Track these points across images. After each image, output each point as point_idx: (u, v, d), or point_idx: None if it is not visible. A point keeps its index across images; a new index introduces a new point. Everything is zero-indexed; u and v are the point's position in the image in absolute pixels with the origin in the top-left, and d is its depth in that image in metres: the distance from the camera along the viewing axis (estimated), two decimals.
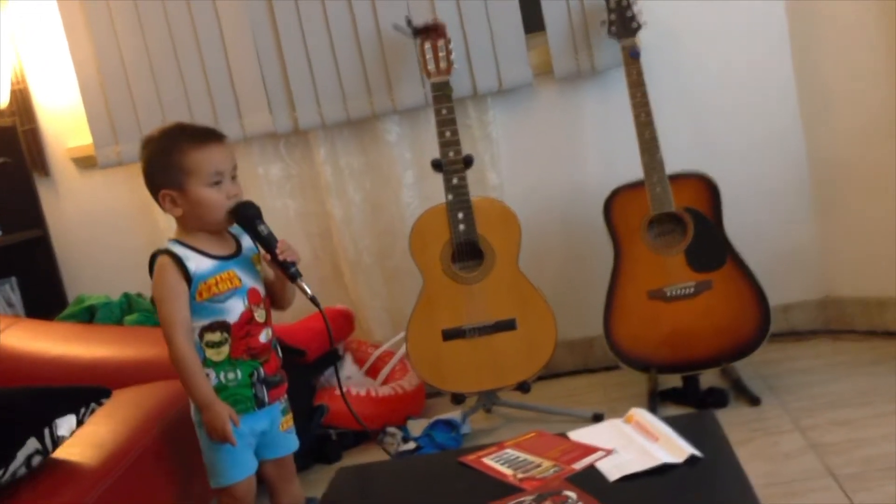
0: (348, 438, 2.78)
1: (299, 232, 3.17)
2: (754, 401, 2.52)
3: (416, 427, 2.73)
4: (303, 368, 2.69)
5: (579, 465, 1.48)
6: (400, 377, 2.95)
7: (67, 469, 1.66)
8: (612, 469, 1.44)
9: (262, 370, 1.77)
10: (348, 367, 2.93)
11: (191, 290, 1.71)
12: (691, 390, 2.60)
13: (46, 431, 1.59)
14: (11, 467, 1.50)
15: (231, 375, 1.74)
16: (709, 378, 2.64)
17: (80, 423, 1.69)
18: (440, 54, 2.70)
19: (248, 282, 1.77)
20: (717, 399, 2.56)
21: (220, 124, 3.02)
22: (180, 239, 1.76)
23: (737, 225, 2.64)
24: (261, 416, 1.79)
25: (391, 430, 2.76)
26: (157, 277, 1.72)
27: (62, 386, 1.76)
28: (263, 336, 1.78)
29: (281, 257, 1.75)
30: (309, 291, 1.77)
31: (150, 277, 1.75)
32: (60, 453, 1.67)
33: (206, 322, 1.73)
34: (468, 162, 2.64)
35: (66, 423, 1.63)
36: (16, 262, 3.04)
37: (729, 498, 1.29)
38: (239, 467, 1.78)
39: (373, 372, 3.03)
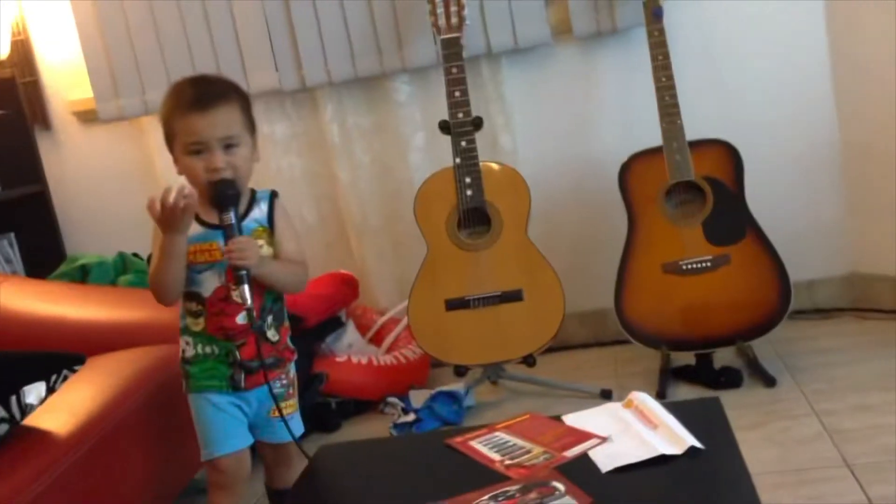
0: (348, 407, 2.71)
1: (305, 193, 3.07)
2: (770, 382, 2.41)
3: (418, 398, 2.65)
4: (302, 335, 2.60)
5: (571, 454, 1.38)
6: (404, 346, 2.87)
7: (36, 437, 1.59)
8: (606, 459, 1.34)
9: (237, 353, 1.67)
10: (351, 335, 2.84)
11: None
12: (704, 369, 2.49)
13: (13, 399, 1.51)
14: None
15: (208, 349, 1.68)
16: (724, 356, 2.52)
17: (50, 390, 1.61)
18: (452, 9, 2.56)
19: None
20: (731, 379, 2.44)
21: None
22: None
23: (760, 196, 2.51)
24: (242, 399, 1.70)
25: (392, 400, 2.69)
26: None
27: (31, 352, 1.68)
28: (241, 318, 1.65)
29: (226, 255, 1.59)
30: (248, 301, 1.58)
31: None
32: (30, 421, 1.60)
33: (187, 289, 1.66)
34: (477, 124, 2.52)
35: (35, 391, 1.56)
36: (15, 217, 2.97)
37: (727, 495, 1.18)
38: (226, 440, 1.69)
39: (377, 339, 2.95)
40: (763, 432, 2.15)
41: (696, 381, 2.49)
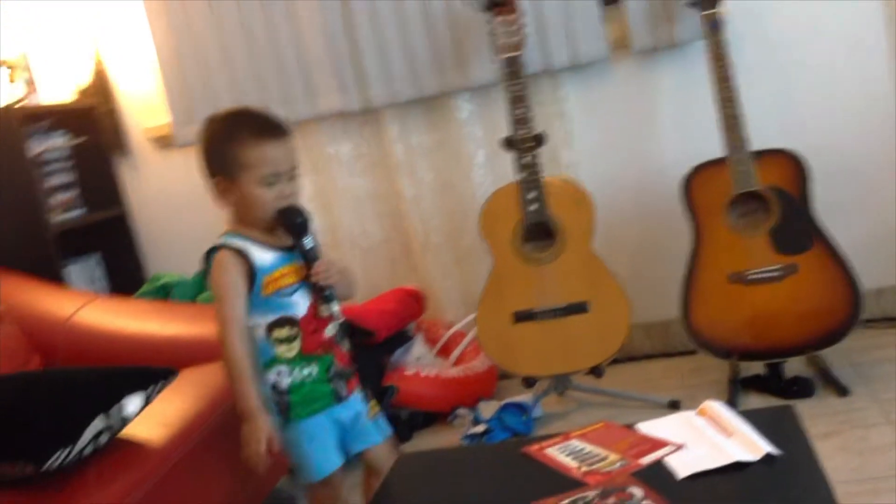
0: (417, 419, 2.77)
1: (370, 212, 3.15)
2: (843, 391, 2.39)
3: (487, 409, 2.69)
4: (372, 349, 2.68)
5: (646, 460, 1.41)
6: (472, 358, 2.91)
7: (134, 447, 1.69)
8: (682, 465, 1.37)
9: (336, 364, 1.73)
10: (419, 348, 2.90)
11: (255, 285, 1.65)
12: (775, 378, 2.49)
13: (114, 411, 1.61)
14: (78, 445, 1.52)
15: (306, 371, 1.69)
16: (795, 365, 2.51)
17: (147, 401, 1.70)
18: (511, 28, 2.62)
19: None
20: (802, 388, 2.43)
21: (292, 104, 3.02)
22: (237, 230, 1.70)
23: (827, 205, 2.49)
24: (342, 409, 1.75)
25: (461, 411, 2.73)
26: (215, 273, 1.64)
27: (130, 366, 1.77)
28: (330, 329, 1.72)
29: (313, 279, 1.67)
30: (340, 316, 1.69)
31: (203, 270, 1.70)
32: (127, 432, 1.69)
33: (273, 317, 1.67)
34: (540, 140, 2.56)
35: (133, 402, 1.65)
36: (99, 239, 3.11)
37: (806, 502, 1.20)
38: (324, 462, 1.73)
39: (445, 352, 3.00)
40: (837, 441, 2.14)
41: (766, 391, 2.49)
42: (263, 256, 1.67)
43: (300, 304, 1.69)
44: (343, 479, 1.80)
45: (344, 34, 2.98)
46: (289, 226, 1.68)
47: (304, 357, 1.69)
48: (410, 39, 2.94)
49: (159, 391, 1.73)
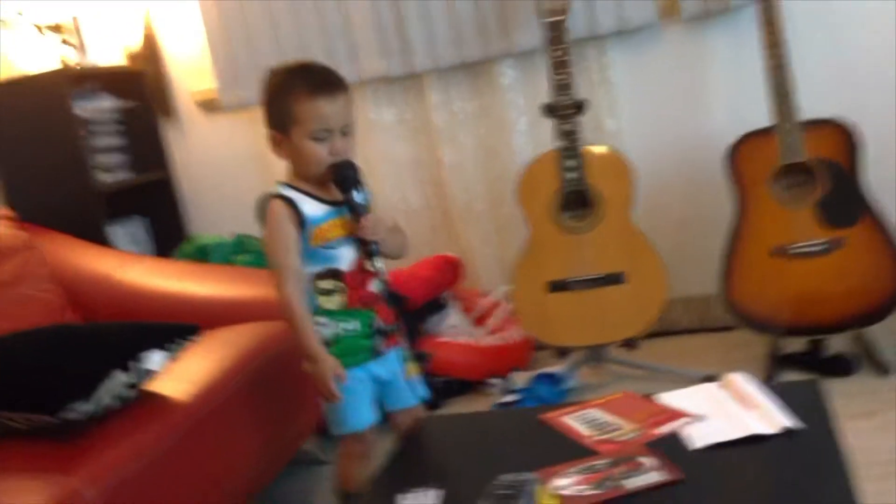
0: (451, 387, 2.76)
1: (411, 178, 3.14)
2: (884, 370, 2.31)
3: (521, 379, 2.67)
4: (406, 315, 2.67)
5: (663, 430, 1.39)
6: (508, 328, 2.89)
7: (157, 403, 1.71)
8: (698, 436, 1.34)
9: (378, 319, 1.74)
10: (454, 316, 2.89)
11: (303, 235, 1.67)
12: (815, 355, 2.41)
13: (134, 365, 1.63)
14: (94, 398, 1.55)
15: (349, 325, 1.70)
16: (838, 342, 2.44)
17: (170, 358, 1.73)
18: None
19: None
20: (842, 366, 2.36)
21: (336, 68, 2.97)
22: (292, 183, 1.73)
23: (881, 179, 2.39)
24: (379, 365, 1.75)
25: (494, 381, 2.72)
26: (270, 222, 1.68)
27: (148, 322, 1.80)
28: (374, 286, 1.73)
29: (359, 233, 1.69)
30: (384, 273, 1.71)
31: (256, 220, 1.75)
32: (151, 387, 1.72)
33: (318, 269, 1.69)
34: (580, 107, 2.51)
35: (155, 358, 1.67)
36: (144, 202, 3.16)
37: (820, 477, 1.16)
38: (357, 417, 1.73)
39: (480, 322, 2.99)
40: (875, 421, 2.07)
41: (806, 368, 2.41)
42: (313, 208, 1.69)
43: (345, 257, 1.70)
44: (374, 436, 1.80)
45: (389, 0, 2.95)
46: (338, 180, 1.70)
47: (347, 311, 1.70)
48: (455, 4, 2.90)
49: (182, 348, 1.75)
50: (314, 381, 1.66)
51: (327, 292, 1.70)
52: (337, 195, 1.71)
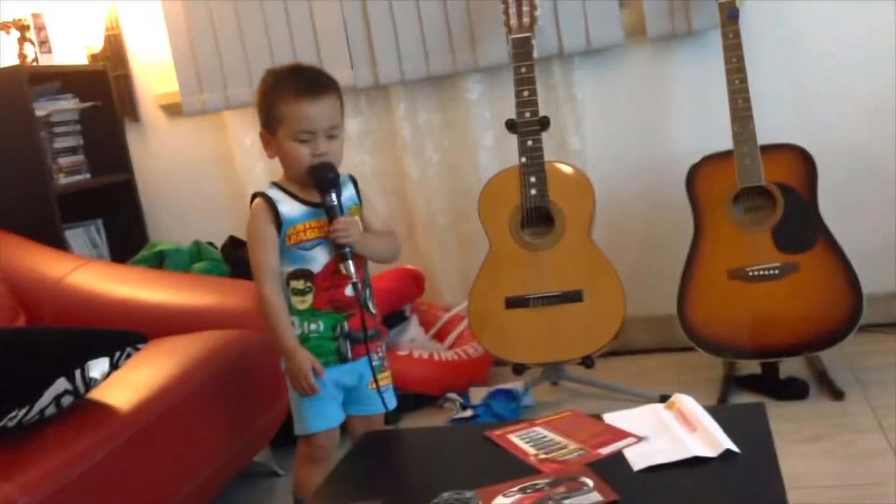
0: (408, 401, 2.74)
1: (375, 189, 3.12)
2: (837, 394, 2.33)
3: (478, 395, 2.66)
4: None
5: (605, 451, 1.38)
6: (467, 343, 2.88)
7: (98, 410, 1.68)
8: (639, 458, 1.33)
9: (345, 324, 1.74)
10: (414, 330, 2.88)
11: (281, 234, 1.71)
12: (770, 378, 2.43)
13: (77, 373, 1.60)
14: (38, 405, 1.52)
15: (313, 326, 1.73)
16: (791, 366, 2.45)
17: (114, 367, 1.70)
18: (524, 9, 2.57)
19: None
20: (796, 390, 2.37)
21: None
22: (279, 182, 1.77)
23: (835, 205, 2.42)
24: (346, 371, 1.76)
25: (451, 395, 2.71)
26: (250, 221, 1.74)
27: (95, 328, 1.77)
28: (349, 290, 1.74)
29: (331, 235, 1.71)
30: (353, 275, 1.72)
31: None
32: (93, 395, 1.69)
33: (292, 268, 1.73)
34: (544, 123, 2.52)
35: (99, 366, 1.64)
36: (102, 205, 3.11)
37: (755, 501, 1.16)
38: (321, 418, 1.76)
39: (441, 336, 2.97)
40: (824, 445, 2.08)
41: (760, 391, 2.43)
42: (292, 208, 1.73)
43: (318, 259, 1.73)
44: (335, 440, 1.81)
45: (357, 10, 2.95)
46: (316, 181, 1.72)
47: (313, 312, 1.73)
48: (423, 18, 2.90)
49: (127, 357, 1.72)
50: (291, 376, 1.71)
51: (300, 292, 1.73)
52: (317, 197, 1.74)
